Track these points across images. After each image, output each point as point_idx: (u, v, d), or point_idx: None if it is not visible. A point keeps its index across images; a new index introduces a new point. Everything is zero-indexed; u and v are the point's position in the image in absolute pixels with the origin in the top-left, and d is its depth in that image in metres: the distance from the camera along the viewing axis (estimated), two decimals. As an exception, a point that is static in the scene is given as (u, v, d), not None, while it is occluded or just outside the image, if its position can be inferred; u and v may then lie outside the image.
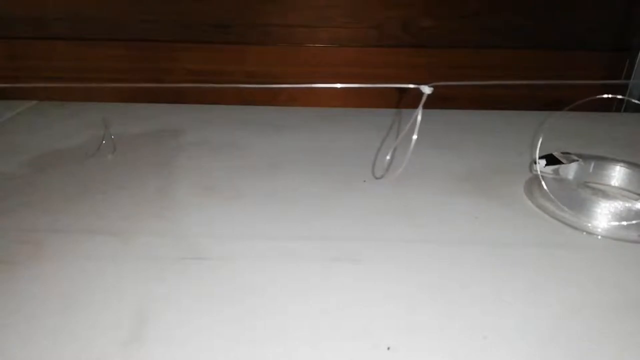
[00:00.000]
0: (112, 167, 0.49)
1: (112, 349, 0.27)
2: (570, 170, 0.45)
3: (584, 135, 0.61)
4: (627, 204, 0.38)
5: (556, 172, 0.43)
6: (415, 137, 0.30)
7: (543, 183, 0.42)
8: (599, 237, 0.38)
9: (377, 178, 0.44)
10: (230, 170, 0.49)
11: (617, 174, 0.46)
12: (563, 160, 0.44)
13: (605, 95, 0.40)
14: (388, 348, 0.27)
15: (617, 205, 0.38)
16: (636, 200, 0.39)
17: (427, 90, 0.29)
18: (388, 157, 0.36)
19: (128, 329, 0.28)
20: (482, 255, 0.36)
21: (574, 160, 0.45)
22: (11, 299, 0.30)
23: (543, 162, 0.44)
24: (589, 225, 0.39)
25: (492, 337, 0.28)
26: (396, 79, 0.76)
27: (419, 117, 0.29)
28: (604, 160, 0.46)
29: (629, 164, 0.46)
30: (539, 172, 0.43)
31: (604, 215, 0.39)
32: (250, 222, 0.40)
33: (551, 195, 0.42)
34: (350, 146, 0.56)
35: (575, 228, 0.39)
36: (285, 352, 0.27)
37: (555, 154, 0.45)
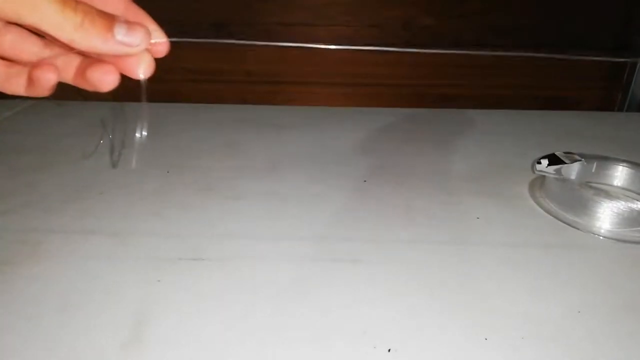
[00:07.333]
0: (111, 167, 0.49)
1: (111, 349, 0.26)
2: (572, 170, 0.45)
3: (586, 135, 0.60)
4: (630, 204, 0.38)
5: (558, 172, 0.43)
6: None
7: (545, 183, 0.42)
8: (601, 237, 0.38)
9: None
10: (230, 170, 0.49)
11: (619, 174, 0.46)
12: (565, 160, 0.44)
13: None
14: (389, 350, 0.27)
15: (619, 205, 0.38)
16: (638, 200, 0.39)
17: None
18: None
19: (127, 329, 0.28)
20: (484, 255, 0.36)
21: (576, 160, 0.45)
22: (11, 299, 0.30)
23: (545, 161, 0.44)
24: (591, 225, 0.39)
25: (492, 338, 0.28)
26: (396, 78, 0.76)
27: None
28: (606, 160, 0.46)
29: (632, 164, 0.45)
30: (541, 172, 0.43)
31: (606, 216, 0.39)
32: (250, 222, 0.40)
33: (553, 196, 0.42)
34: (351, 146, 0.56)
35: (578, 228, 0.39)
36: (285, 352, 0.27)
37: (558, 153, 0.45)
